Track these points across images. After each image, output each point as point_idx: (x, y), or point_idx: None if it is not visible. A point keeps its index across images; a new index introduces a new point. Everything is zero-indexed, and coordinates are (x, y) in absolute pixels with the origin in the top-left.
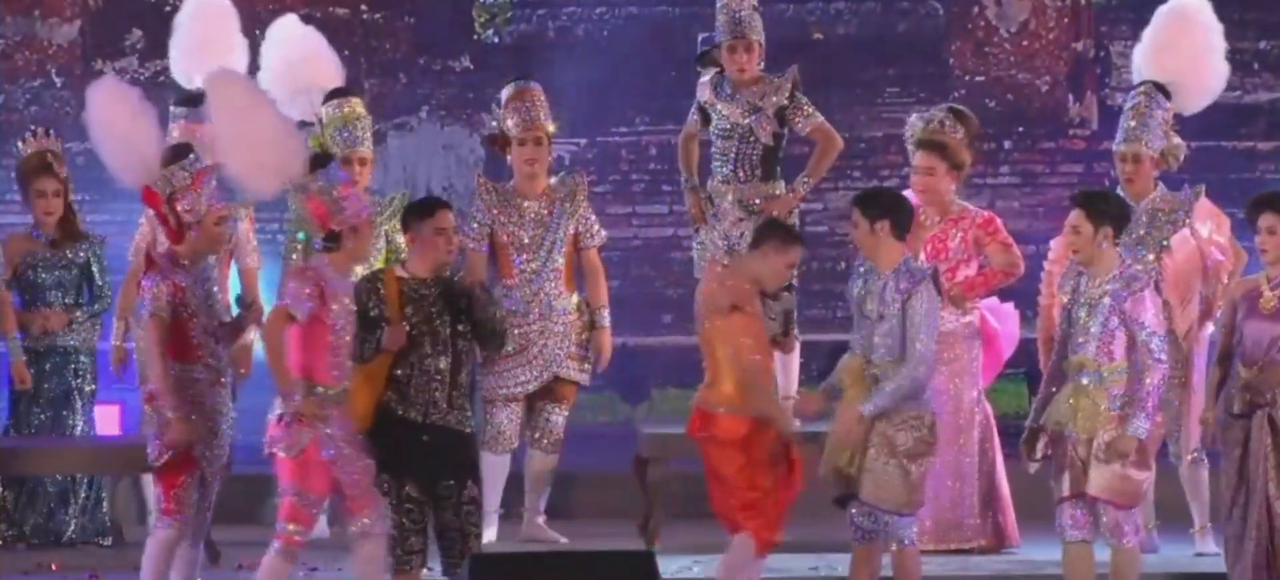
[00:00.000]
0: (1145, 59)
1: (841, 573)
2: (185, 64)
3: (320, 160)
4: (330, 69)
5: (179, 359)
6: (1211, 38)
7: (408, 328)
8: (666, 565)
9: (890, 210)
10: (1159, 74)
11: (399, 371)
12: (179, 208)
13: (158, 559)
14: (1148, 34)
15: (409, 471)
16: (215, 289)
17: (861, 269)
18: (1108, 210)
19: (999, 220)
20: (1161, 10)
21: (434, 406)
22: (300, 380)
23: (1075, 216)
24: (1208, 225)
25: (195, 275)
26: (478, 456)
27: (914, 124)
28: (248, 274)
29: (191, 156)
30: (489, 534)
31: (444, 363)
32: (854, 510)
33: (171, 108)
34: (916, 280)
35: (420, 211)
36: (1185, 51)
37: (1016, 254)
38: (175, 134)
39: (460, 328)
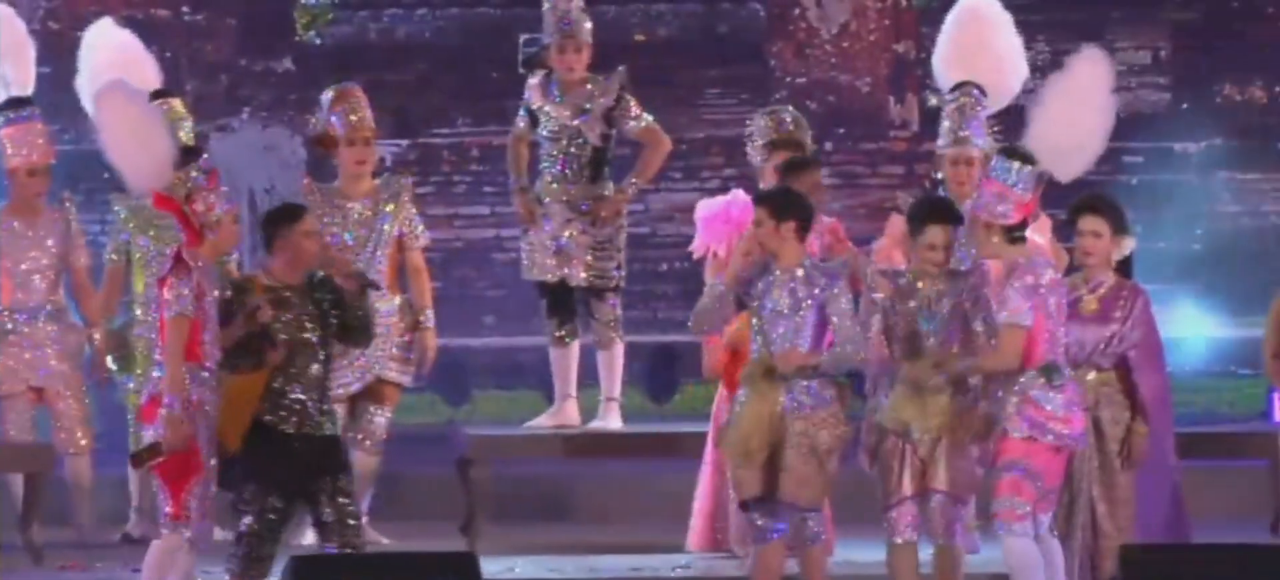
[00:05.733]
0: (949, 63)
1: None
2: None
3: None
4: (148, 71)
5: (188, 360)
6: (1011, 36)
7: (285, 337)
8: (488, 567)
9: (797, 210)
10: (967, 75)
11: (274, 383)
12: (197, 209)
13: (161, 565)
14: (947, 36)
15: (276, 483)
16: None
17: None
18: (948, 213)
19: (841, 227)
20: (955, 12)
21: (307, 416)
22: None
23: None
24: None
25: (209, 276)
26: (348, 454)
27: (761, 124)
28: (78, 272)
29: (204, 157)
30: (308, 536)
31: (316, 369)
32: (758, 511)
33: None
34: (835, 277)
35: (287, 217)
36: (991, 51)
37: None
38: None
39: (326, 329)
